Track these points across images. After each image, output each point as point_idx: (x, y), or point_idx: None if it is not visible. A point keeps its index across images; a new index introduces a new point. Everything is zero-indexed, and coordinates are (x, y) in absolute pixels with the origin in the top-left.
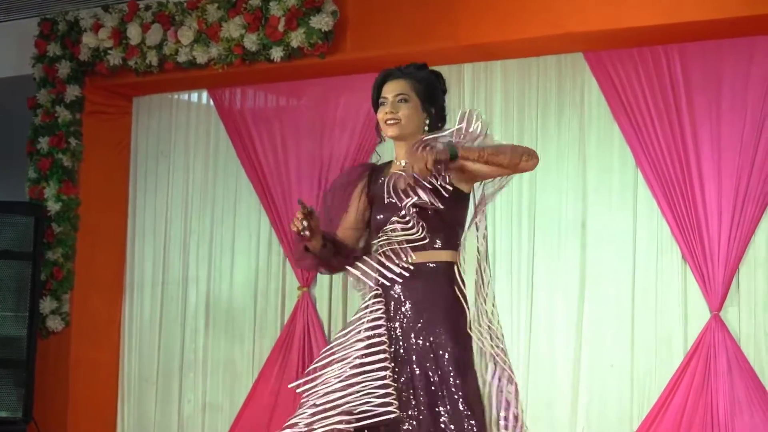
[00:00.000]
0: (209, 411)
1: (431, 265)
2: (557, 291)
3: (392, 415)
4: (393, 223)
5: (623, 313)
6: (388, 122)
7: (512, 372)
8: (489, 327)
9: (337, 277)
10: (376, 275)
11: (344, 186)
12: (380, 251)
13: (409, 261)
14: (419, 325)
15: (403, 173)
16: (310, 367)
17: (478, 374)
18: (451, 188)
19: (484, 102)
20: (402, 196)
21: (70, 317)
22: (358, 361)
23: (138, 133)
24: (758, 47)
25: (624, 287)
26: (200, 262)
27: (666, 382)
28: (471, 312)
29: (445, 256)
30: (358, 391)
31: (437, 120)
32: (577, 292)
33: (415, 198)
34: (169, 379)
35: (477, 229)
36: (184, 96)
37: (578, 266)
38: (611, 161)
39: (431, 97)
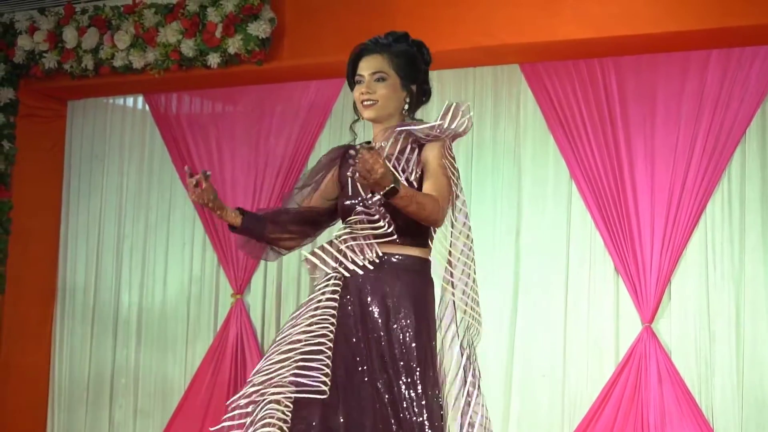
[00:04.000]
0: (140, 417)
1: (395, 259)
2: (490, 300)
3: (323, 396)
4: (359, 213)
5: (555, 323)
6: (365, 103)
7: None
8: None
9: (271, 284)
10: (336, 264)
11: (322, 167)
12: (343, 242)
13: (375, 256)
14: (384, 316)
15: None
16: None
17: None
18: (415, 184)
19: (420, 111)
20: (366, 191)
21: (1, 321)
22: (298, 336)
23: (72, 136)
24: (692, 62)
25: (557, 298)
26: (133, 267)
27: (597, 392)
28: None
29: (412, 251)
30: (291, 362)
31: (419, 97)
32: (510, 301)
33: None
34: (100, 384)
35: (452, 226)
36: (120, 100)
37: (512, 276)
38: (546, 172)
39: (411, 72)
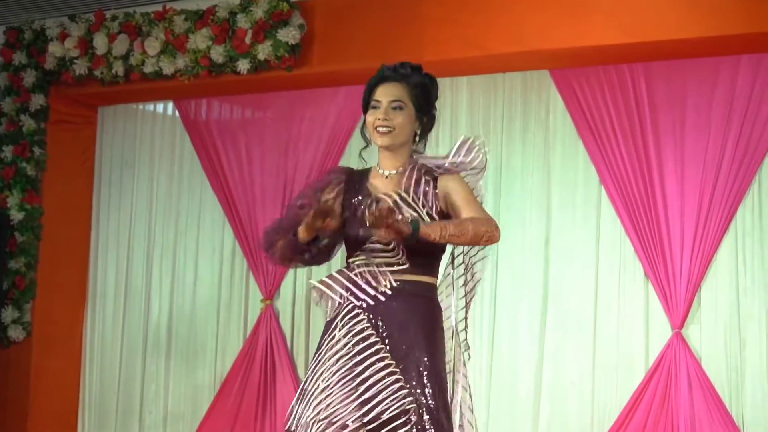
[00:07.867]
0: (171, 422)
1: (408, 287)
2: (520, 306)
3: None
4: (373, 242)
5: (585, 329)
6: (380, 129)
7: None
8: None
9: (301, 290)
10: (346, 293)
11: (317, 188)
12: (356, 270)
13: (389, 285)
14: (397, 344)
15: (387, 198)
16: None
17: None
18: (437, 218)
19: (450, 117)
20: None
21: (32, 327)
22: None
23: (102, 143)
24: (722, 68)
25: (586, 304)
26: (163, 273)
27: (627, 399)
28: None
29: (423, 278)
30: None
31: (427, 129)
32: (539, 307)
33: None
34: (130, 389)
35: (465, 264)
36: (150, 106)
37: (541, 282)
38: (575, 178)
39: (425, 104)
